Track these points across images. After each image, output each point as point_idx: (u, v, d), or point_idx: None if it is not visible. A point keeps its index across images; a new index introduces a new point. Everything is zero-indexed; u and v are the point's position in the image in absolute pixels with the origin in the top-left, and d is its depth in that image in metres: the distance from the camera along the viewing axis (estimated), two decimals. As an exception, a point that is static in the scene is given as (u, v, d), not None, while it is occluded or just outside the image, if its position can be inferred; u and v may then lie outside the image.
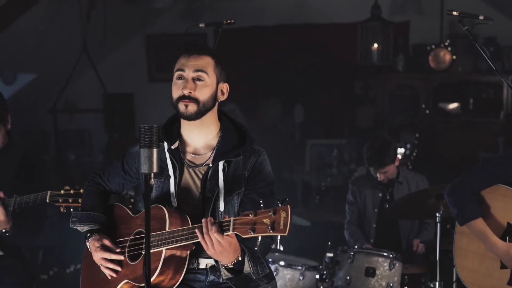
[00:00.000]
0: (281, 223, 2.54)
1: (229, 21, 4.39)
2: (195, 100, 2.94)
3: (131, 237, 3.04)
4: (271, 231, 2.55)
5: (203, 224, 2.71)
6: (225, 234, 2.68)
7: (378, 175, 5.23)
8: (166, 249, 2.83)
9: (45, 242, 6.46)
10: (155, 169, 2.64)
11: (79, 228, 3.16)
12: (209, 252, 2.75)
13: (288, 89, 8.02)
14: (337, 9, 7.67)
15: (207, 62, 2.99)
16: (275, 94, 8.12)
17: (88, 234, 3.11)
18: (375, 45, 6.99)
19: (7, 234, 3.60)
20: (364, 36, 7.05)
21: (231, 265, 2.81)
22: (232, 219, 2.66)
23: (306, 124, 8.00)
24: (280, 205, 2.58)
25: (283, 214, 2.55)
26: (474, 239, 3.65)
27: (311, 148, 7.86)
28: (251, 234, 2.58)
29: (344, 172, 7.36)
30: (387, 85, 7.45)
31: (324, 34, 7.81)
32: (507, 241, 3.54)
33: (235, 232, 2.66)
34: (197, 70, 2.96)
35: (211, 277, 3.01)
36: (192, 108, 2.94)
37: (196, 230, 2.74)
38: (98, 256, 3.04)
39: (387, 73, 7.36)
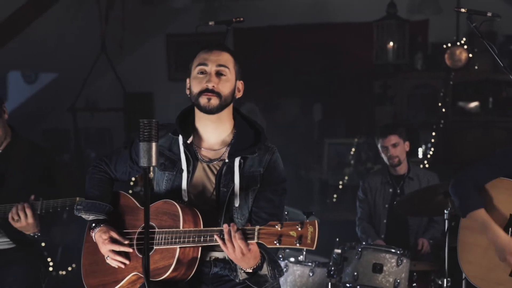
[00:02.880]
0: (309, 237, 2.57)
1: (238, 19, 4.39)
2: (218, 94, 2.96)
3: (139, 230, 3.05)
4: (298, 244, 2.58)
5: (225, 231, 2.73)
6: (248, 241, 2.70)
7: (385, 154, 5.32)
8: (180, 247, 2.86)
9: (64, 239, 6.56)
10: (154, 163, 2.65)
11: (84, 216, 3.15)
12: (230, 256, 2.77)
13: (307, 88, 8.03)
14: (354, 8, 7.67)
15: (228, 58, 3.02)
16: (293, 94, 8.13)
17: (94, 224, 3.10)
18: (391, 44, 6.98)
19: (35, 237, 3.67)
20: (379, 34, 7.04)
21: (250, 269, 2.84)
22: (256, 228, 2.68)
23: (324, 123, 8.02)
24: (306, 218, 2.61)
25: (310, 229, 2.57)
26: (477, 233, 3.66)
27: (329, 147, 7.87)
28: (277, 245, 2.61)
29: (361, 171, 7.36)
30: (406, 84, 7.43)
31: (342, 33, 7.82)
32: (510, 233, 3.55)
33: (260, 242, 2.68)
34: (220, 65, 2.98)
35: (215, 269, 3.02)
36: (214, 101, 2.95)
37: (216, 236, 2.77)
38: (106, 249, 3.03)
39: (406, 72, 7.35)
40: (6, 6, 6.43)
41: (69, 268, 6.70)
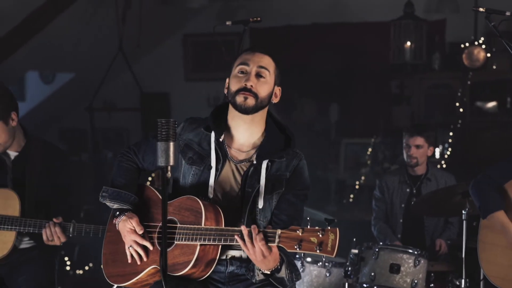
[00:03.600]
0: (329, 245, 2.59)
1: (255, 18, 4.40)
2: (255, 95, 2.98)
3: (160, 224, 3.04)
4: (318, 251, 2.60)
5: (245, 232, 2.75)
6: (269, 244, 2.72)
7: (406, 152, 5.31)
8: (201, 244, 2.88)
9: (81, 239, 6.58)
10: (171, 162, 2.67)
11: (108, 204, 3.15)
12: (251, 257, 2.79)
13: (323, 88, 8.01)
14: (372, 8, 7.65)
15: (270, 61, 3.07)
16: (310, 94, 8.12)
17: (118, 213, 3.10)
18: (408, 43, 6.96)
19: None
20: (396, 34, 7.02)
21: (268, 271, 2.86)
22: (278, 231, 2.70)
23: (341, 123, 8.00)
24: (328, 225, 2.63)
25: (331, 236, 2.59)
26: (497, 233, 3.67)
27: (345, 147, 7.86)
28: (297, 250, 2.63)
29: (378, 171, 7.34)
30: (423, 83, 7.40)
31: (359, 33, 7.80)
32: None
33: (280, 245, 2.70)
34: (261, 67, 3.02)
35: (231, 268, 3.05)
36: (251, 101, 2.97)
37: (236, 236, 2.79)
38: (131, 238, 3.04)
39: (423, 71, 7.32)
40: (24, 7, 6.47)
41: (86, 267, 6.73)
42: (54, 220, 3.67)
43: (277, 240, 2.69)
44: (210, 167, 3.05)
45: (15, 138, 3.79)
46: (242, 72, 3.03)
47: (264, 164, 3.02)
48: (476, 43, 6.93)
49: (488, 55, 6.90)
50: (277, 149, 3.05)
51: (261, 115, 3.06)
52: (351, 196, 7.45)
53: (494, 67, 7.00)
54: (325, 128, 8.06)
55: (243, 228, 2.76)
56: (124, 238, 3.08)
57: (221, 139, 3.06)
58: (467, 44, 6.95)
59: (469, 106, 7.16)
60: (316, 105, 8.16)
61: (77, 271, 6.72)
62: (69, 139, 8.38)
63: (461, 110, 7.05)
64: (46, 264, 3.85)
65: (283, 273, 2.89)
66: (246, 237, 2.74)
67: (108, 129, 8.42)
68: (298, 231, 2.65)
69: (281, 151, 3.05)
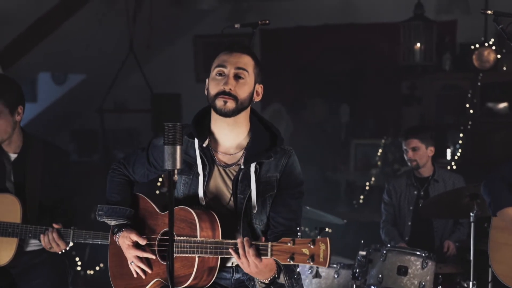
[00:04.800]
0: (321, 256, 2.59)
1: (264, 21, 4.39)
2: (235, 97, 2.91)
3: (159, 236, 3.05)
4: (311, 263, 2.62)
5: (239, 245, 2.74)
6: (262, 257, 2.72)
7: (406, 156, 5.35)
8: (198, 256, 2.87)
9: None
10: (178, 166, 2.67)
11: (106, 222, 3.15)
12: (245, 270, 2.79)
13: (334, 89, 8.02)
14: (382, 9, 7.64)
15: (248, 61, 2.98)
16: (320, 94, 8.12)
17: (116, 229, 3.11)
18: (418, 45, 6.95)
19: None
20: (406, 35, 7.01)
21: (267, 281, 2.86)
22: (269, 244, 2.70)
23: (351, 124, 7.99)
24: (318, 235, 2.64)
25: (322, 247, 2.59)
26: (507, 233, 3.66)
27: (356, 148, 7.87)
28: (290, 262, 2.65)
29: (388, 172, 7.34)
30: (434, 85, 7.39)
31: (369, 34, 7.80)
32: None
33: (274, 258, 2.71)
34: (239, 68, 2.95)
35: (237, 275, 3.04)
36: (231, 104, 2.91)
37: (230, 250, 2.78)
38: (131, 254, 3.04)
39: (434, 72, 7.31)
40: (36, 8, 6.51)
41: (97, 268, 6.76)
42: (54, 225, 3.66)
43: (269, 253, 2.69)
44: (198, 175, 3.01)
45: (14, 137, 3.76)
46: (220, 74, 2.95)
47: (252, 168, 2.97)
48: (486, 44, 6.91)
49: (498, 56, 6.88)
50: (264, 148, 3.00)
51: (244, 115, 3.01)
52: (361, 197, 7.44)
53: (505, 68, 6.98)
54: (335, 129, 8.06)
55: (239, 241, 2.75)
56: (125, 254, 3.08)
57: (204, 145, 3.02)
58: (477, 45, 6.93)
59: (480, 107, 7.14)
60: (327, 106, 8.15)
61: (88, 271, 6.76)
62: (80, 140, 8.41)
63: (471, 111, 7.03)
64: (58, 267, 3.86)
65: (282, 280, 2.88)
66: (240, 250, 2.73)
67: (118, 130, 8.44)
68: (289, 243, 2.64)
69: (268, 150, 2.99)
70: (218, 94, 2.93)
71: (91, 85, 8.07)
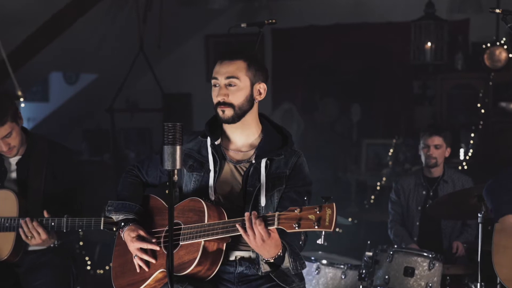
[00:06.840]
0: (327, 219, 2.65)
1: (270, 21, 4.39)
2: (230, 105, 3.06)
3: (166, 228, 3.11)
4: (316, 227, 2.67)
5: (246, 218, 2.81)
6: (269, 227, 2.78)
7: (425, 153, 5.30)
8: (205, 240, 2.93)
9: (102, 238, 6.64)
10: (178, 166, 2.73)
11: (114, 217, 3.25)
12: (251, 244, 2.84)
13: (345, 89, 8.01)
14: (395, 8, 7.62)
15: (238, 66, 3.08)
16: (332, 94, 8.12)
17: (123, 224, 3.18)
18: (429, 44, 6.91)
19: (56, 246, 3.77)
20: (417, 34, 6.98)
21: (272, 259, 2.91)
22: (276, 213, 2.77)
23: (363, 124, 7.97)
24: (325, 202, 2.66)
25: (328, 211, 2.66)
26: (511, 236, 3.63)
27: (367, 148, 7.84)
28: (296, 228, 2.69)
29: (399, 172, 7.30)
30: (445, 84, 7.36)
31: (380, 33, 7.78)
32: None
33: (279, 227, 2.75)
34: (228, 77, 3.07)
35: (240, 269, 3.09)
36: (228, 112, 3.07)
37: (237, 225, 2.85)
38: (134, 246, 3.10)
39: (445, 72, 7.27)
40: (47, 8, 6.53)
41: (107, 267, 6.77)
42: (45, 213, 3.64)
43: (276, 222, 2.75)
44: (209, 171, 3.12)
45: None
46: (215, 86, 3.11)
47: (263, 163, 3.08)
48: (498, 43, 6.87)
49: (510, 55, 6.83)
50: (275, 147, 3.12)
51: (251, 116, 3.14)
52: (372, 197, 7.42)
53: (515, 67, 6.95)
54: (347, 129, 8.05)
55: (246, 214, 2.82)
56: (129, 247, 3.14)
57: (217, 143, 3.15)
58: (488, 45, 6.89)
59: (492, 107, 7.10)
60: (338, 105, 8.14)
61: (98, 271, 6.77)
62: (92, 139, 8.44)
63: (482, 111, 6.99)
64: (61, 269, 3.85)
65: (286, 262, 2.94)
66: (247, 223, 2.80)
67: (130, 129, 8.48)
68: (296, 211, 2.71)
69: (279, 149, 3.11)
70: (217, 105, 3.09)
71: (103, 84, 8.10)
